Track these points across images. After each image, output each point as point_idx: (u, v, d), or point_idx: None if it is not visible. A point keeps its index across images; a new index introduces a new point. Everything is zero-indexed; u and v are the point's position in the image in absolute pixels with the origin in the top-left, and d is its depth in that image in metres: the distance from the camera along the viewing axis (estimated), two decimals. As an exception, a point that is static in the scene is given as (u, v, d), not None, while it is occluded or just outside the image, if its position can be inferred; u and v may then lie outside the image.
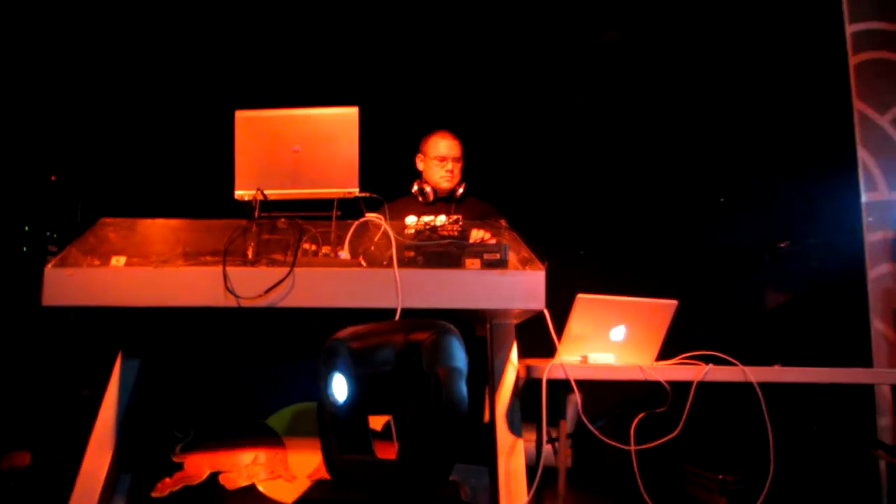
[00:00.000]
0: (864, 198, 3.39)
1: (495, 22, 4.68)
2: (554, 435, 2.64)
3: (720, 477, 4.08)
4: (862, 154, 3.41)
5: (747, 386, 2.59)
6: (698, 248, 4.62)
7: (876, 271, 3.33)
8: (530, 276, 2.41)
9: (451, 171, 3.56)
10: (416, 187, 3.59)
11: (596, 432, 2.56)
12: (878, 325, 3.28)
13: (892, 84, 3.50)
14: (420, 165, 3.65)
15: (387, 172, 3.44)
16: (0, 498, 3.11)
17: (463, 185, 3.58)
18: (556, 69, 4.86)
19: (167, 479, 2.56)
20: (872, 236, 3.36)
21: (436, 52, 4.73)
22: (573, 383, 2.47)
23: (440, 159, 3.56)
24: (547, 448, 4.65)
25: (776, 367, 2.74)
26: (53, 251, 3.96)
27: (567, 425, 3.00)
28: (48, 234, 3.95)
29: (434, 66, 4.74)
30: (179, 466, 2.59)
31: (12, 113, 3.94)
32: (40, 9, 4.09)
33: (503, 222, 2.88)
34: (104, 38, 4.24)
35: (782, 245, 4.40)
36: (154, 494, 2.55)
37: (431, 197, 3.56)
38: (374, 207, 2.71)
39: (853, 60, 3.49)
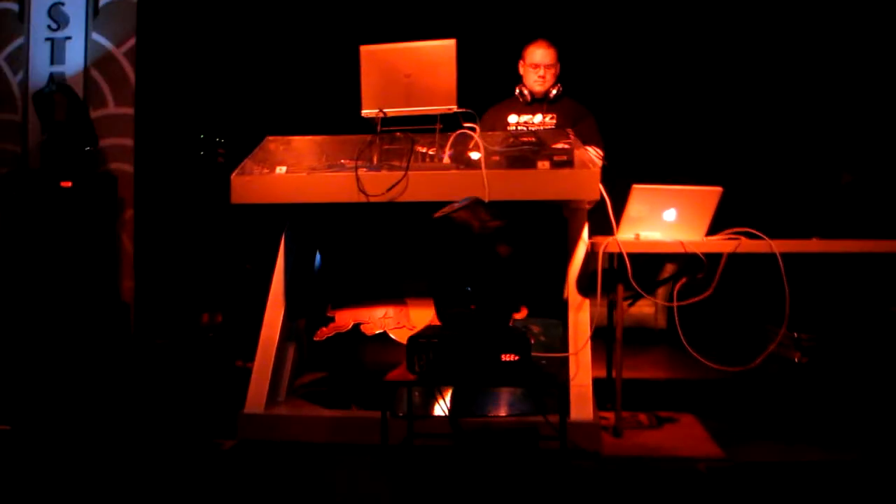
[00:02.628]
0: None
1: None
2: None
3: (795, 335, 4.69)
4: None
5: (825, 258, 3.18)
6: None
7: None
8: (588, 173, 3.09)
9: (544, 77, 4.00)
10: (518, 90, 4.12)
11: (643, 293, 3.25)
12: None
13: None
14: (521, 70, 4.13)
15: (501, 80, 4.09)
16: (204, 344, 4.16)
17: (558, 87, 4.04)
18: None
19: (323, 329, 3.51)
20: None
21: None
22: (625, 255, 3.17)
23: (534, 66, 4.01)
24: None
25: (812, 241, 3.31)
26: (222, 153, 4.90)
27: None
28: (218, 139, 4.87)
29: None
30: (332, 319, 3.52)
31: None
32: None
33: (571, 133, 3.45)
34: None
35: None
36: (315, 339, 3.51)
37: (529, 98, 4.06)
38: (474, 118, 3.39)
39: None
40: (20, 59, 4.39)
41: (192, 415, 3.55)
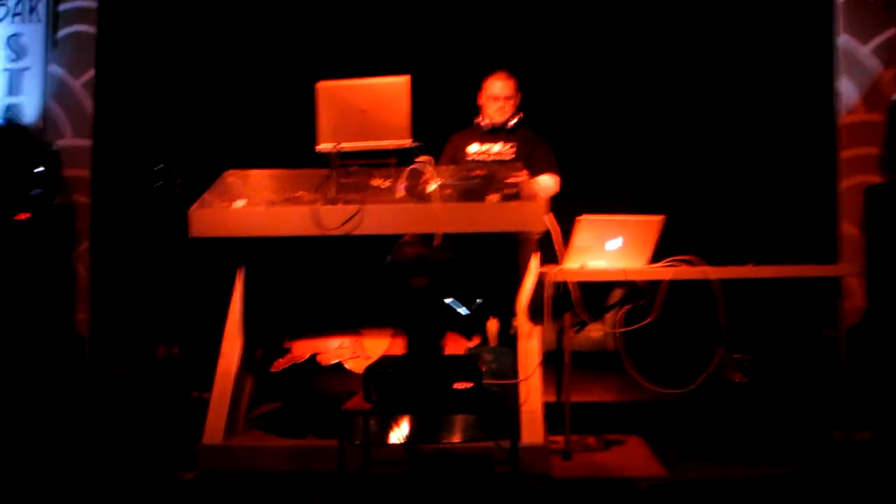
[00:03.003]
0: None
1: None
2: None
3: (737, 356, 4.87)
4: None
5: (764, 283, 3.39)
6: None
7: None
8: (534, 205, 3.23)
9: (503, 108, 4.09)
10: (478, 120, 4.18)
11: (587, 319, 3.39)
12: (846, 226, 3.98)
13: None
14: (480, 101, 4.17)
15: (462, 108, 4.19)
16: (160, 376, 4.19)
17: (518, 116, 4.13)
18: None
19: (280, 360, 3.58)
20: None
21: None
22: (570, 285, 3.31)
23: (494, 98, 4.10)
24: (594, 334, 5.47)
25: (748, 266, 3.48)
26: (179, 183, 4.95)
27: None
28: (174, 169, 4.92)
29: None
30: (288, 350, 3.59)
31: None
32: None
33: (521, 166, 3.58)
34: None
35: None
36: (272, 370, 3.58)
37: (489, 127, 4.15)
38: (426, 151, 3.50)
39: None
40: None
41: (149, 447, 3.57)
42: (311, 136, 3.45)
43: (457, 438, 3.34)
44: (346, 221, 3.23)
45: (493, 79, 4.15)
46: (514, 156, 4.08)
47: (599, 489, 3.02)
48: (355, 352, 3.54)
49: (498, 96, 4.12)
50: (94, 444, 3.58)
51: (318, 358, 3.55)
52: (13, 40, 4.42)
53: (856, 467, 3.23)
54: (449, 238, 3.24)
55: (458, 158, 4.12)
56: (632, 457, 3.41)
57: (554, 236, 3.35)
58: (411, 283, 2.82)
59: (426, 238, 3.07)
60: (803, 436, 3.60)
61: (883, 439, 3.46)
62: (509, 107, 4.13)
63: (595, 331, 4.95)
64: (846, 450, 3.44)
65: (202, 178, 3.66)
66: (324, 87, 3.47)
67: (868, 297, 3.85)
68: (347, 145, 3.43)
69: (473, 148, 4.18)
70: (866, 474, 3.14)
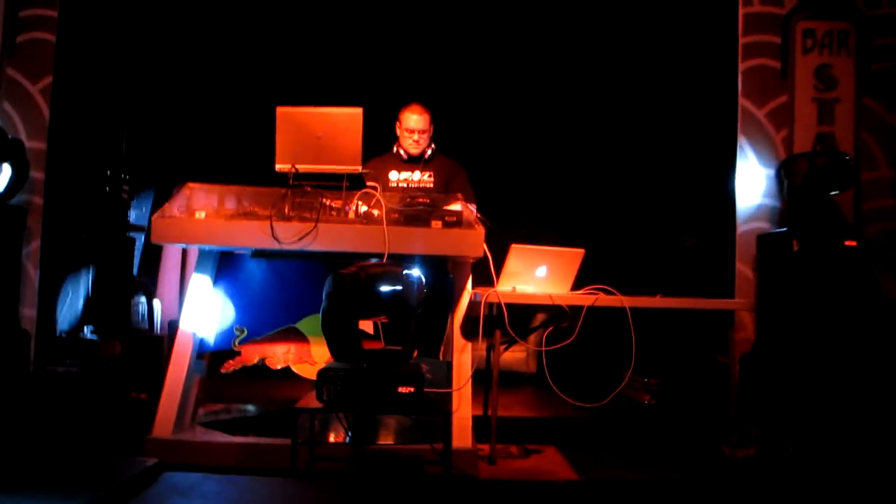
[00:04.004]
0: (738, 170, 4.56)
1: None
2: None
3: (645, 380, 5.34)
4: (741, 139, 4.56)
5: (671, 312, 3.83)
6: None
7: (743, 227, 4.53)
8: (474, 233, 3.58)
9: (418, 141, 4.35)
10: (395, 148, 4.47)
11: (517, 338, 3.77)
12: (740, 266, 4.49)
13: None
14: (398, 131, 4.43)
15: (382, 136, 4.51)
16: (103, 373, 4.34)
17: (432, 147, 4.39)
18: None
19: (230, 361, 3.82)
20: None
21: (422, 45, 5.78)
22: (503, 305, 3.68)
23: (409, 131, 4.35)
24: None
25: (657, 297, 3.93)
26: (126, 189, 5.13)
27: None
28: (123, 176, 5.09)
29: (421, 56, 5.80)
30: (238, 353, 3.84)
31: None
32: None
33: (460, 196, 3.94)
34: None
35: (700, 199, 5.56)
36: (222, 370, 3.82)
37: (406, 157, 4.42)
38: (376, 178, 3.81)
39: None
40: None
41: (94, 441, 3.74)
42: (269, 156, 3.72)
43: (395, 440, 3.65)
44: (302, 237, 3.52)
45: (409, 111, 4.40)
46: (433, 185, 4.42)
47: (519, 489, 3.39)
48: (302, 357, 3.81)
49: (413, 129, 4.37)
50: (37, 439, 3.72)
51: (267, 361, 3.82)
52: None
53: (735, 478, 3.70)
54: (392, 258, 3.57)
55: (380, 185, 4.41)
56: (549, 463, 3.79)
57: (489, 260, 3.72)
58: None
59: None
60: (696, 450, 4.06)
61: (764, 456, 3.94)
62: (424, 139, 4.40)
63: (519, 351, 5.38)
64: (730, 463, 3.90)
65: (153, 187, 3.88)
66: (283, 111, 3.73)
67: (757, 330, 4.34)
68: (303, 167, 3.71)
69: (394, 175, 4.47)
70: (743, 484, 3.62)
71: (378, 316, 3.17)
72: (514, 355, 5.63)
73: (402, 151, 4.44)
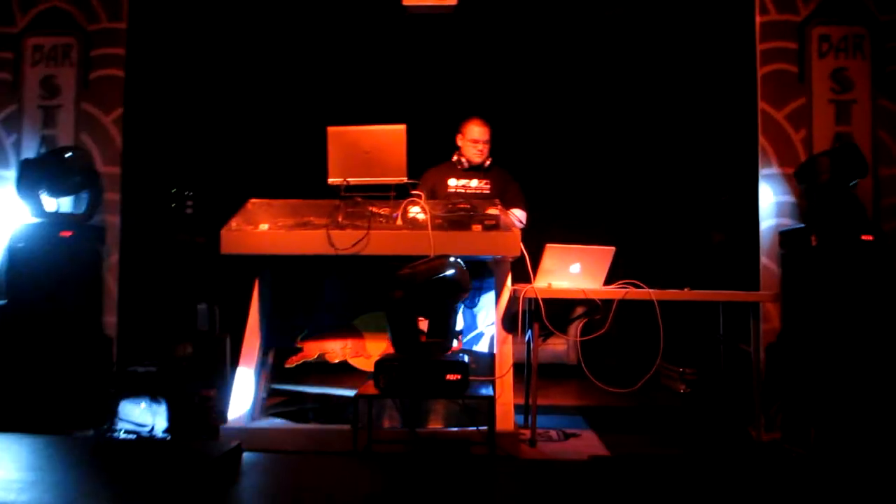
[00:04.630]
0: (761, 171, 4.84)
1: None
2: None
3: (681, 369, 5.62)
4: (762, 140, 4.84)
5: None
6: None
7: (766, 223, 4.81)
8: (511, 235, 3.93)
9: (482, 151, 4.75)
10: (455, 158, 4.84)
11: (553, 330, 4.09)
12: (765, 260, 4.76)
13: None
14: (459, 142, 4.82)
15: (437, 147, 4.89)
16: (176, 374, 4.77)
17: (490, 159, 4.82)
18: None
19: (293, 357, 4.21)
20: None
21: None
22: (540, 300, 4.01)
23: (473, 141, 4.74)
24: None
25: (685, 290, 4.22)
26: (190, 205, 5.58)
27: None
28: (186, 193, 5.55)
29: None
30: (300, 349, 4.23)
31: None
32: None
33: (497, 202, 4.28)
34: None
35: (723, 198, 5.83)
36: (286, 365, 4.22)
37: (467, 165, 4.80)
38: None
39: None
40: (14, 124, 4.99)
41: (176, 432, 4.16)
42: (320, 171, 4.12)
43: (443, 424, 4.00)
44: (356, 244, 3.90)
45: (472, 124, 4.80)
46: (490, 191, 4.79)
47: (557, 467, 3.71)
48: (358, 351, 4.19)
49: (477, 140, 4.77)
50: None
51: (326, 356, 4.20)
52: (46, 82, 5.01)
53: (758, 458, 3.98)
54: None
55: (438, 191, 4.78)
56: (586, 446, 4.11)
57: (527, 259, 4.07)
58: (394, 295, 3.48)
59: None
60: (724, 434, 4.34)
61: (789, 439, 4.21)
62: (486, 149, 4.79)
63: (560, 344, 5.71)
64: (756, 446, 4.18)
65: (215, 202, 4.29)
66: (333, 130, 4.14)
67: (782, 321, 4.61)
68: (353, 180, 4.10)
69: (453, 182, 4.87)
70: (766, 464, 3.89)
71: (434, 306, 3.51)
72: (556, 348, 5.97)
73: (463, 160, 4.81)
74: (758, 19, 4.89)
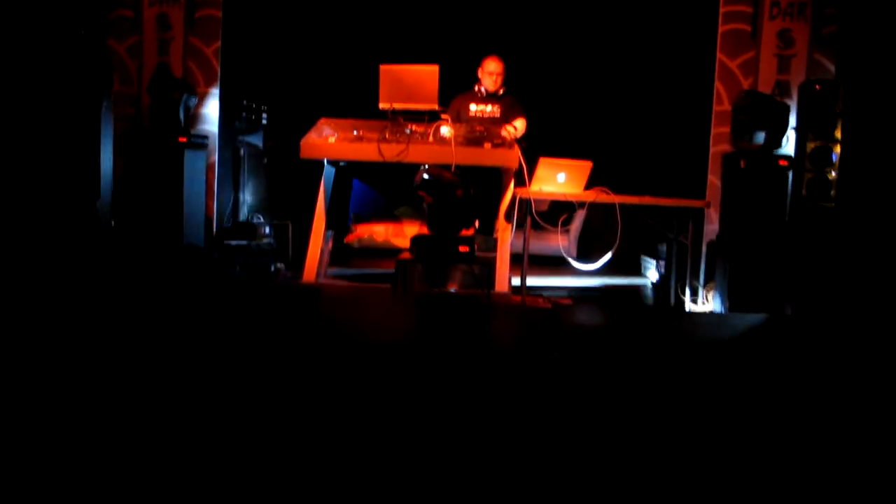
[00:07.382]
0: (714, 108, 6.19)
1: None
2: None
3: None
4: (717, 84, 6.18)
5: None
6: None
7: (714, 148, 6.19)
8: (513, 151, 5.37)
9: (496, 81, 6.10)
10: (476, 87, 6.17)
11: (541, 222, 5.57)
12: (711, 178, 6.17)
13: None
14: (479, 74, 6.15)
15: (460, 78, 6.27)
16: (260, 250, 6.33)
17: (503, 88, 6.14)
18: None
19: (350, 235, 5.75)
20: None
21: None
22: (532, 200, 5.46)
23: (490, 73, 5.92)
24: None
25: (645, 197, 5.63)
26: (266, 118, 7.07)
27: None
28: (262, 107, 7.03)
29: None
30: (353, 231, 5.75)
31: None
32: None
33: (515, 123, 5.72)
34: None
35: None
36: (345, 241, 5.75)
37: (484, 94, 6.10)
38: (446, 111, 5.64)
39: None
40: (137, 52, 6.45)
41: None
42: (373, 97, 5.55)
43: (458, 286, 5.54)
44: (399, 154, 5.36)
45: (490, 60, 6.06)
46: (500, 114, 6.17)
47: (535, 311, 5.24)
48: (397, 233, 5.71)
49: (493, 72, 6.04)
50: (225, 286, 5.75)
51: (374, 236, 5.72)
52: (160, 18, 6.44)
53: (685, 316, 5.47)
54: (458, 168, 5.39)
55: (462, 113, 6.15)
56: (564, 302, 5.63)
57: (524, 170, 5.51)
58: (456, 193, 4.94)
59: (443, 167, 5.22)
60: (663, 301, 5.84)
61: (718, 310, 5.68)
62: (499, 80, 6.07)
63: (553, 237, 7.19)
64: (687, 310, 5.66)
65: (286, 119, 5.79)
66: (385, 68, 5.54)
67: (720, 224, 6.04)
68: (398, 105, 5.53)
69: (472, 107, 6.25)
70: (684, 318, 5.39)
71: (455, 191, 4.98)
72: (551, 244, 7.44)
73: (482, 89, 6.10)
74: (721, -13, 6.16)
